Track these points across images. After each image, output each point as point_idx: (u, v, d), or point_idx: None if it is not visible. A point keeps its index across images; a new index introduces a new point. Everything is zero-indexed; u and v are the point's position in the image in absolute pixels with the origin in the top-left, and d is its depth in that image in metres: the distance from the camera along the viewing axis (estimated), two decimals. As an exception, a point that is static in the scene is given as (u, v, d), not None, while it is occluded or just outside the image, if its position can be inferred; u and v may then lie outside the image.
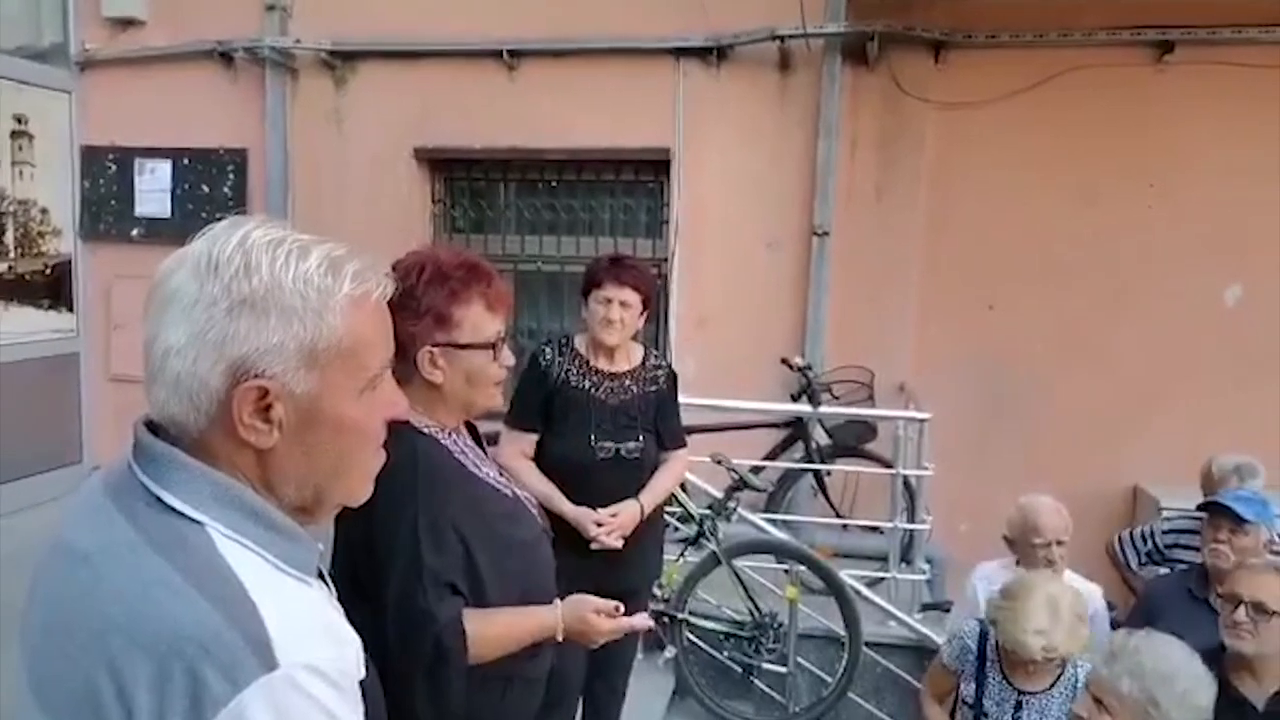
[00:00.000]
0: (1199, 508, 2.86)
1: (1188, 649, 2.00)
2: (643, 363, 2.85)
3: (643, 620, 1.81)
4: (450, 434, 1.70)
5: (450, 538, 1.59)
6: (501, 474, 1.78)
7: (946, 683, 2.66)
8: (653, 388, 2.84)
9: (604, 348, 2.77)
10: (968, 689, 2.54)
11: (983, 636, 2.55)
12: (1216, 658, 2.23)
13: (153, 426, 0.92)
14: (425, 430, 1.64)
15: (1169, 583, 2.96)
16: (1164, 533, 3.34)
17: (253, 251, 0.88)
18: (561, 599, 1.85)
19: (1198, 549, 3.13)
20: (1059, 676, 2.43)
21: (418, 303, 1.61)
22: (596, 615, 1.72)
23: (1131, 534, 3.48)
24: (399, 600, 1.55)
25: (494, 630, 1.62)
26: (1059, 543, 2.81)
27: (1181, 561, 3.19)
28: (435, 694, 1.55)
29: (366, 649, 0.99)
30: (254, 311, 0.87)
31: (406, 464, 1.53)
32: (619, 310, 2.71)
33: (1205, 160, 4.59)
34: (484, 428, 1.89)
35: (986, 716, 2.48)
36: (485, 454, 1.80)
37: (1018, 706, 2.44)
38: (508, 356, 1.72)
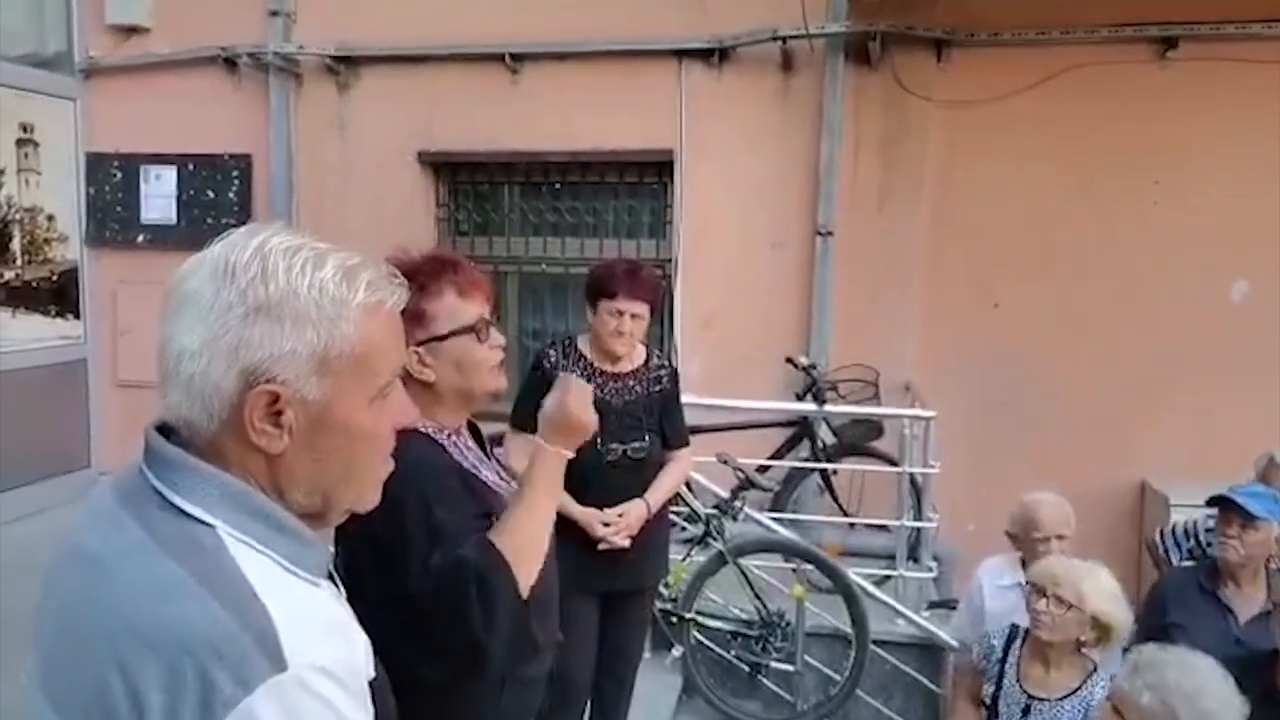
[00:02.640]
0: (1208, 502, 2.85)
1: (1220, 669, 1.90)
2: (645, 363, 2.86)
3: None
4: (450, 435, 1.70)
5: (464, 499, 1.58)
6: (502, 477, 1.78)
7: (976, 683, 2.63)
8: (656, 388, 2.85)
9: (610, 352, 2.78)
10: (988, 689, 2.53)
11: (1009, 639, 2.53)
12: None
13: (164, 430, 0.93)
14: (424, 430, 1.64)
15: (1183, 575, 2.96)
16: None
17: (270, 258, 0.89)
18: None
19: None
20: (1075, 691, 2.38)
21: None
22: (556, 400, 1.62)
23: (1174, 529, 3.46)
24: (423, 565, 1.51)
25: (515, 522, 1.53)
26: (1059, 537, 2.79)
27: None
28: (490, 617, 1.47)
29: (375, 649, 0.99)
30: (269, 318, 0.88)
31: (407, 462, 1.53)
32: (630, 322, 2.72)
33: (1210, 156, 4.57)
34: (489, 429, 1.90)
35: (999, 718, 2.47)
36: (487, 456, 1.80)
37: (1025, 711, 2.42)
38: (496, 337, 1.71)
